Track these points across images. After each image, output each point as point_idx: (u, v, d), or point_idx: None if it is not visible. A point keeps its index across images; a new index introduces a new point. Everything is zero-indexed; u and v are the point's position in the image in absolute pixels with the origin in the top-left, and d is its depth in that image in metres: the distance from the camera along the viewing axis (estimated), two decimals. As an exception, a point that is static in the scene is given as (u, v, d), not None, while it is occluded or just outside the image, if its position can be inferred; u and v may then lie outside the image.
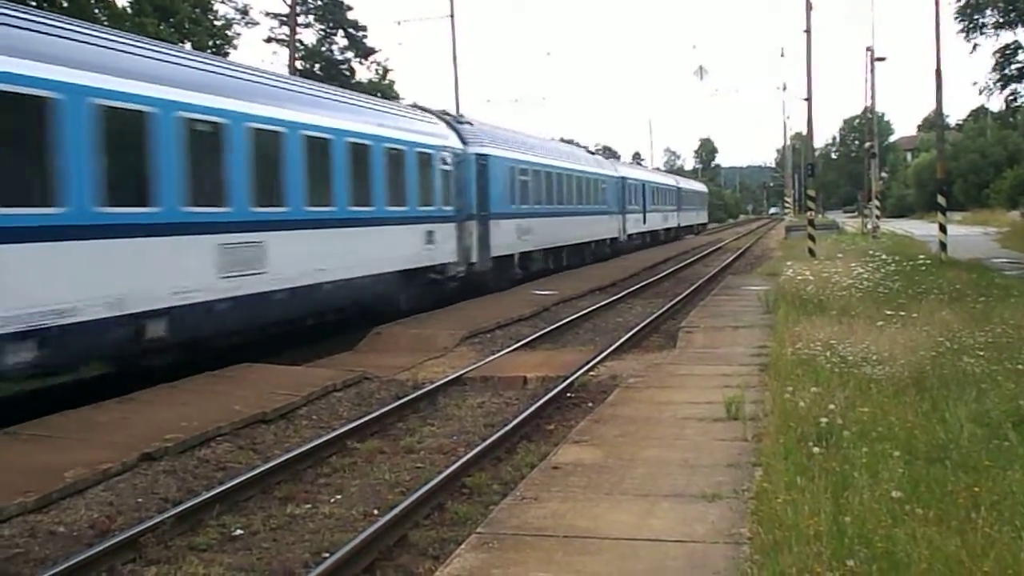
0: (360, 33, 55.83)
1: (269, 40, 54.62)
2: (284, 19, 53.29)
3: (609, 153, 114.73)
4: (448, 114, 30.04)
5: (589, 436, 10.11)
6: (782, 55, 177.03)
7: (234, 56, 42.24)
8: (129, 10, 34.15)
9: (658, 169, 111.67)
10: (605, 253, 45.01)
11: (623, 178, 50.76)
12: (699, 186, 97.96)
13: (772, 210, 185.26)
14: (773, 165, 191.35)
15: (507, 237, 30.23)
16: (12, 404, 12.51)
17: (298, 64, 52.07)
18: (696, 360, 15.09)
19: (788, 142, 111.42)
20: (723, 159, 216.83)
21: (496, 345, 19.12)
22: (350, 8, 55.41)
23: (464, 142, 27.69)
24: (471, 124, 29.86)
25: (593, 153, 50.13)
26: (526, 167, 33.19)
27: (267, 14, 53.41)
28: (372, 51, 56.41)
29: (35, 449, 10.71)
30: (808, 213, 38.34)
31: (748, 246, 57.70)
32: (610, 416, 11.09)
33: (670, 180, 73.79)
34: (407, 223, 22.93)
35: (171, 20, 36.35)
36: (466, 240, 26.83)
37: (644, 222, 56.00)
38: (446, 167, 25.56)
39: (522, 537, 6.98)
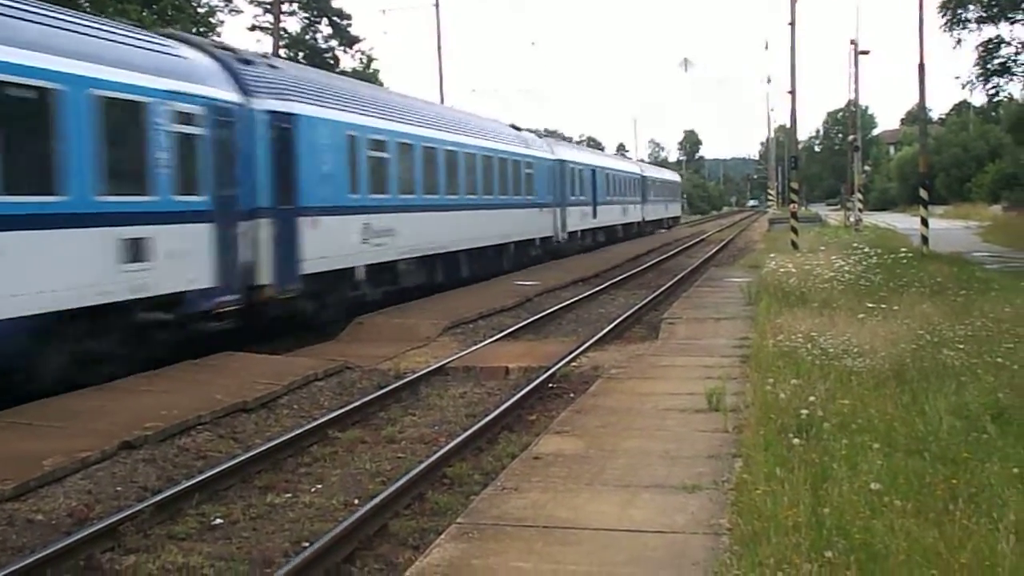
0: (345, 22, 55.68)
1: (253, 28, 54.43)
2: (268, 7, 53.04)
3: (593, 144, 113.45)
4: (228, 48, 18.83)
5: (570, 427, 10.11)
6: (766, 48, 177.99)
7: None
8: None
9: (646, 160, 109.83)
10: (532, 257, 35.23)
11: (562, 161, 40.30)
12: (670, 174, 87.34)
13: (751, 202, 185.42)
14: (757, 158, 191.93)
15: (338, 242, 19.78)
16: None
17: (282, 52, 51.82)
18: (678, 351, 15.11)
19: (772, 135, 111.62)
20: (707, 151, 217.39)
21: (478, 335, 19.12)
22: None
23: (246, 91, 17.29)
24: (273, 66, 19.50)
25: (519, 129, 37.68)
26: (382, 138, 22.47)
27: (251, 2, 53.10)
28: (356, 40, 56.28)
29: (13, 437, 10.66)
30: (791, 206, 38.43)
31: (731, 238, 57.87)
32: (592, 407, 11.10)
33: (632, 167, 63.62)
34: (68, 226, 12.92)
35: (155, 6, 36.14)
36: (243, 251, 16.80)
37: (594, 216, 45.93)
38: (192, 129, 15.53)
39: (502, 527, 6.98)
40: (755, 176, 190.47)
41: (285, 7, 54.05)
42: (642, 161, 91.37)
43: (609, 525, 6.98)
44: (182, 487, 9.13)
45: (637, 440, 9.47)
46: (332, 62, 54.41)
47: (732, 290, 23.05)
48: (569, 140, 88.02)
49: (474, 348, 17.34)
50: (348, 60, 56.19)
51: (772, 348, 12.67)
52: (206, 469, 9.91)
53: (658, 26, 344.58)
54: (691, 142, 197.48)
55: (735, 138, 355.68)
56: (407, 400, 13.64)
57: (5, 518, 8.52)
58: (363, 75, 52.14)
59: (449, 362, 15.80)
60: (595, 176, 46.64)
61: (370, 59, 56.88)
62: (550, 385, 14.10)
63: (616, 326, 19.31)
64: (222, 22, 49.02)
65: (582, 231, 43.71)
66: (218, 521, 8.68)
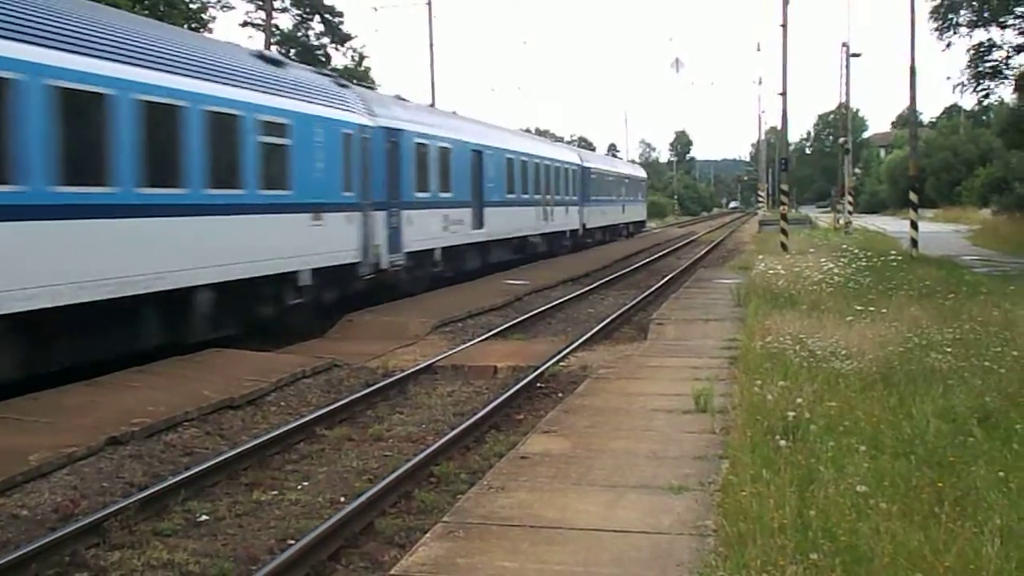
0: (336, 19, 55.66)
1: (245, 24, 54.44)
2: (260, 3, 52.99)
3: (584, 144, 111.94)
4: None
5: (558, 426, 10.11)
6: (758, 49, 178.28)
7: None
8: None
9: (637, 161, 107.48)
10: (282, 312, 18.78)
11: (391, 130, 23.80)
12: (629, 168, 68.88)
13: (732, 203, 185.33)
14: (748, 159, 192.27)
15: None
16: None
17: (274, 48, 51.75)
18: (666, 352, 15.13)
19: (763, 136, 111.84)
20: (699, 152, 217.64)
21: (467, 334, 19.11)
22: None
23: None
24: None
25: (278, 64, 20.61)
26: None
27: (243, -2, 53.01)
28: (348, 37, 56.30)
29: (0, 432, 10.62)
30: (781, 208, 38.48)
31: (721, 239, 57.86)
32: (579, 407, 11.10)
33: (564, 154, 46.11)
34: None
35: (145, 2, 36.08)
36: None
37: (478, 225, 30.14)
38: None
39: (488, 527, 6.98)
40: (745, 178, 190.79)
41: (277, 3, 54.05)
42: (579, 147, 75.62)
43: (595, 525, 6.98)
44: (168, 483, 9.11)
45: (624, 440, 9.47)
46: (324, 59, 54.40)
47: (721, 291, 23.08)
48: (561, 140, 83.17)
49: (463, 347, 17.32)
50: (340, 57, 56.21)
51: (760, 350, 12.68)
52: (192, 465, 9.88)
53: (649, 26, 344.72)
54: (682, 143, 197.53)
55: (726, 139, 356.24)
56: (395, 398, 13.62)
57: (-9, 513, 8.49)
58: (354, 72, 52.09)
59: (437, 361, 15.79)
60: (482, 161, 30.96)
61: (362, 56, 56.86)
62: (538, 385, 14.09)
63: (605, 326, 19.31)
64: (214, 18, 48.73)
65: (447, 249, 27.35)
66: (204, 518, 8.67)
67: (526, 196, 36.29)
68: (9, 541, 7.91)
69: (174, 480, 9.22)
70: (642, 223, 67.34)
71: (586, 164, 48.54)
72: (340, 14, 55.74)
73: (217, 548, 7.92)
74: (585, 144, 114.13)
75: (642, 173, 73.17)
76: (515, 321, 20.37)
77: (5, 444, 10.11)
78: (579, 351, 16.60)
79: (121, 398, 12.39)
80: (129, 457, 10.30)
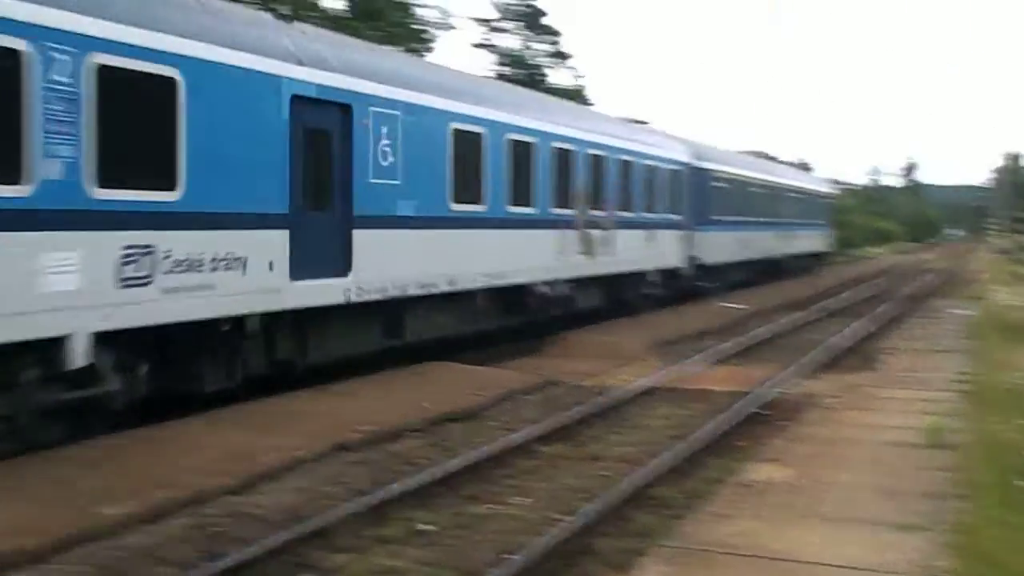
0: (554, 38, 56.53)
1: (479, 46, 55.81)
2: (492, 26, 54.39)
3: (802, 168, 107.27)
4: None
5: (781, 455, 9.90)
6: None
7: (431, 59, 43.14)
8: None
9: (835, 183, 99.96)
10: None
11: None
12: (798, 177, 50.65)
13: (950, 232, 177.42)
14: (987, 185, 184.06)
15: None
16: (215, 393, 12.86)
17: (507, 71, 52.98)
18: (896, 383, 14.61)
19: (1004, 161, 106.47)
20: (931, 177, 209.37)
21: (683, 356, 18.88)
22: (544, 14, 56.15)
23: None
24: None
25: None
26: None
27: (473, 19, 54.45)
28: (566, 56, 57.09)
29: (235, 434, 11.15)
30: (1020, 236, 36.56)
31: (951, 267, 55.47)
32: (803, 435, 10.85)
33: (651, 143, 26.92)
34: None
35: (379, 22, 37.41)
36: None
37: (340, 268, 13.85)
38: None
39: (712, 553, 6.87)
40: (983, 205, 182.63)
41: (505, 25, 55.32)
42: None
43: (820, 559, 6.79)
44: (392, 491, 9.30)
45: (850, 473, 9.18)
46: (541, 78, 55.21)
47: (953, 322, 22.15)
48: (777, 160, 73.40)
49: (678, 368, 17.15)
50: (558, 76, 56.89)
51: (996, 384, 12.08)
52: (415, 475, 10.08)
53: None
54: (909, 167, 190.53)
55: (961, 164, 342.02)
56: (610, 418, 13.57)
57: (227, 511, 8.89)
58: (570, 92, 52.59)
59: (653, 382, 15.67)
60: (351, 125, 13.98)
61: (578, 76, 57.57)
62: (758, 411, 13.78)
63: (828, 354, 18.74)
64: (436, 37, 49.54)
65: (153, 334, 11.22)
66: (424, 527, 8.81)
67: (524, 211, 19.26)
68: (244, 538, 8.25)
69: (398, 488, 9.42)
70: (822, 255, 50.38)
71: (701, 164, 30.65)
72: (558, 33, 56.70)
73: (438, 558, 8.03)
74: (803, 168, 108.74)
75: (822, 187, 54.37)
76: (732, 344, 20.02)
77: (239, 446, 10.61)
78: (801, 379, 16.16)
79: (346, 406, 12.82)
80: (353, 463, 10.62)
